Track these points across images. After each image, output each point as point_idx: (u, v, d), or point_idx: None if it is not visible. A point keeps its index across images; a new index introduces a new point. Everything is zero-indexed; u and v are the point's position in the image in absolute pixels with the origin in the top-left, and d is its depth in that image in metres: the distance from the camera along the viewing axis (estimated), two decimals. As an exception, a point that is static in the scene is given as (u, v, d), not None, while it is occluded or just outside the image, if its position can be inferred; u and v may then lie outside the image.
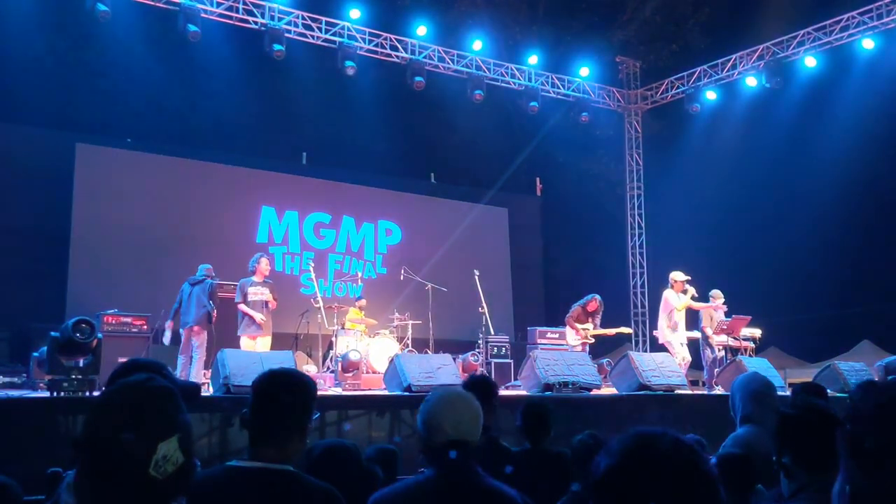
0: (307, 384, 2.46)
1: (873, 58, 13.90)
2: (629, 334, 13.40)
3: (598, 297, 13.16)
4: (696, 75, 16.03)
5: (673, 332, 11.99)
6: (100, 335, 7.96)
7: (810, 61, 14.24)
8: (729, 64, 15.41)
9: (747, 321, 13.04)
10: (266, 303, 10.07)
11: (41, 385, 8.30)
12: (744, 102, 15.92)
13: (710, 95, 15.95)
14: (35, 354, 9.21)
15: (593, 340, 12.88)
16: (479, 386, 4.04)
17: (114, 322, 10.34)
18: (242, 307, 9.99)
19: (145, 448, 1.65)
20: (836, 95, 14.43)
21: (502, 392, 10.98)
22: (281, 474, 2.31)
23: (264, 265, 10.25)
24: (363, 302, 13.33)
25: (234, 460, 2.34)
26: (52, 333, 7.76)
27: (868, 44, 13.56)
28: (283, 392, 2.39)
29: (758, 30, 15.55)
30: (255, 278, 10.17)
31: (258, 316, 9.89)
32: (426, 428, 2.51)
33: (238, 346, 9.90)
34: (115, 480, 1.65)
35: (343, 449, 3.74)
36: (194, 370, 9.78)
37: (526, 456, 4.25)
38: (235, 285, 11.45)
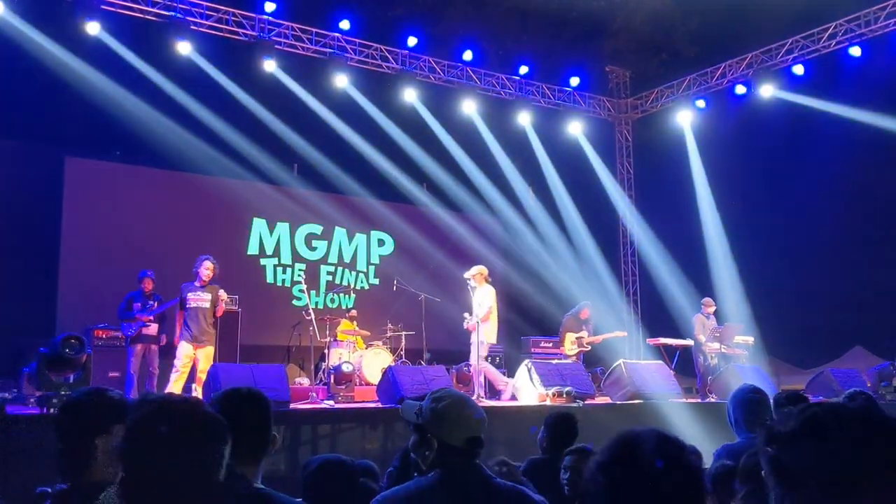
0: (263, 397, 2.44)
1: (861, 65, 13.97)
2: (623, 337, 13.39)
3: (589, 303, 13.18)
4: (685, 84, 16.10)
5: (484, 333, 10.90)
6: (89, 350, 7.92)
7: (798, 69, 14.31)
8: (718, 72, 15.49)
9: (740, 328, 13.08)
10: (205, 311, 9.54)
11: (31, 401, 8.24)
12: (733, 110, 15.99)
13: (700, 104, 16.02)
14: (25, 370, 9.15)
15: (589, 348, 12.88)
16: None
17: (104, 336, 10.28)
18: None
19: (221, 453, 1.74)
20: (825, 102, 14.48)
21: (496, 403, 10.98)
22: (258, 495, 2.28)
23: (206, 268, 9.62)
24: (354, 313, 13.30)
25: None
26: (41, 349, 7.72)
27: (856, 51, 13.64)
28: (245, 408, 2.37)
29: (746, 38, 15.62)
30: (195, 283, 9.64)
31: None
32: (444, 424, 2.48)
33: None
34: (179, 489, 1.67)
35: (338, 464, 3.73)
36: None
37: (543, 465, 4.27)
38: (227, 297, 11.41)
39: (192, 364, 9.44)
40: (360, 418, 8.82)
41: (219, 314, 9.73)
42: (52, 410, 7.23)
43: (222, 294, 9.70)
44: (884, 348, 14.96)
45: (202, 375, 9.37)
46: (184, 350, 9.37)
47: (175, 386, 9.43)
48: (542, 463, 4.40)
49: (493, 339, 10.96)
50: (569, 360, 12.22)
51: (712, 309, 12.84)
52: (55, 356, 7.57)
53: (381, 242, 16.54)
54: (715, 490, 3.40)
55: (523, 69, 15.88)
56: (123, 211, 13.42)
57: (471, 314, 10.88)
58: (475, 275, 10.95)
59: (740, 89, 15.12)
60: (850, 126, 14.43)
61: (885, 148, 17.03)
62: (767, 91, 14.39)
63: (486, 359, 11.25)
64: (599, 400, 10.93)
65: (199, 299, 9.53)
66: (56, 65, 11.65)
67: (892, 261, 16.95)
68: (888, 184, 18.41)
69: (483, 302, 10.72)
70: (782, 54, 14.43)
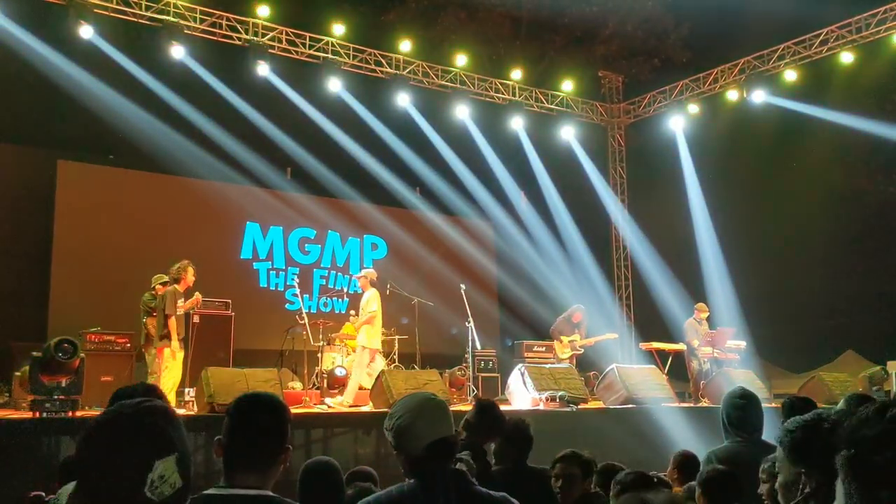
0: (285, 406, 2.42)
1: (853, 71, 14.05)
2: (615, 339, 13.41)
3: (581, 307, 13.20)
4: (678, 89, 16.14)
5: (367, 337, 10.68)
6: (82, 355, 7.90)
7: (790, 75, 14.38)
8: (710, 77, 15.53)
9: (732, 332, 13.13)
10: (184, 316, 9.59)
11: (23, 405, 8.21)
12: (725, 116, 16.05)
13: (692, 109, 16.06)
14: (17, 374, 9.12)
15: (582, 351, 12.91)
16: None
17: (97, 340, 10.23)
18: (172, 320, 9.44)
19: (142, 466, 1.59)
20: (817, 108, 14.56)
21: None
22: (263, 500, 2.26)
23: (191, 274, 9.61)
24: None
25: (211, 488, 2.29)
26: (34, 353, 7.70)
27: (847, 57, 13.71)
28: (264, 415, 2.34)
29: (738, 44, 15.69)
30: (178, 287, 9.55)
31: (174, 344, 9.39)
32: (402, 439, 2.48)
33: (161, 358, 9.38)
34: (109, 501, 1.59)
35: (328, 466, 3.76)
36: None
37: (510, 475, 4.21)
38: (219, 301, 11.39)
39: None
40: (353, 423, 8.82)
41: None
42: (44, 415, 7.21)
43: (198, 297, 9.76)
44: (875, 352, 15.03)
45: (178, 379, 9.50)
46: (170, 354, 9.38)
47: (171, 389, 9.44)
48: (507, 473, 4.32)
49: (376, 345, 10.71)
50: (562, 364, 12.26)
51: (705, 314, 12.87)
52: (48, 360, 7.54)
53: (374, 246, 16.54)
54: (706, 492, 3.41)
55: (516, 74, 15.91)
56: (116, 214, 13.38)
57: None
58: (361, 277, 11.04)
59: (732, 95, 15.17)
60: (841, 132, 14.50)
61: (876, 153, 17.15)
62: (759, 96, 14.43)
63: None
64: (592, 404, 10.95)
65: (184, 305, 9.57)
66: (49, 68, 11.63)
67: (884, 266, 17.06)
68: (880, 189, 18.53)
69: (366, 306, 10.68)
70: (774, 60, 14.48)
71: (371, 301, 10.65)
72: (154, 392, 2.66)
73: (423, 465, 2.44)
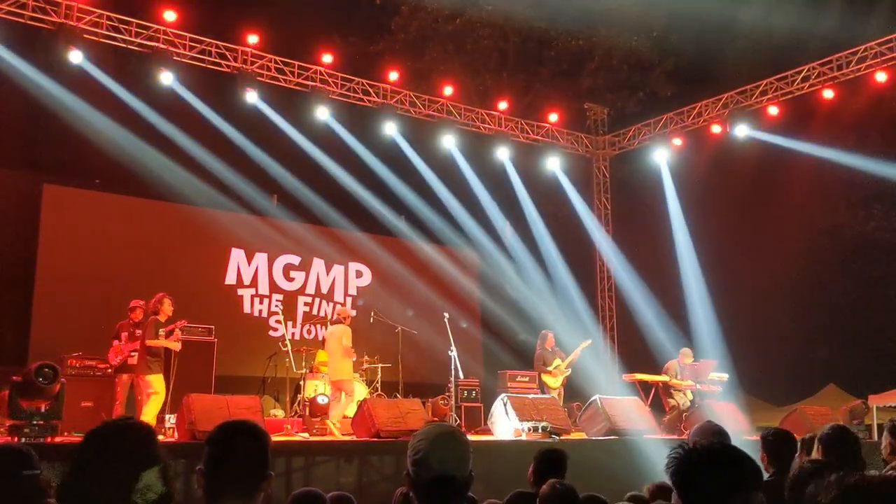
0: (266, 433, 2.43)
1: (833, 107, 14.28)
2: (589, 345, 13.33)
3: (549, 332, 13.18)
4: (662, 122, 16.32)
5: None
6: (62, 380, 7.84)
7: (773, 110, 14.59)
8: (694, 111, 15.73)
9: (714, 364, 13.18)
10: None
11: (1, 430, 8.13)
12: (709, 149, 16.24)
13: (676, 142, 16.24)
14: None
15: (570, 371, 12.87)
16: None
17: (78, 365, 10.17)
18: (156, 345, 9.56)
19: (129, 477, 1.86)
20: (798, 143, 14.77)
21: (472, 437, 10.94)
22: None
23: (169, 306, 9.74)
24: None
25: None
26: (14, 377, 7.64)
27: (828, 93, 13.95)
28: (245, 442, 2.35)
29: (722, 79, 15.92)
30: (160, 318, 9.69)
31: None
32: (413, 463, 2.48)
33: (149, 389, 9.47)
34: None
35: (315, 497, 3.76)
36: None
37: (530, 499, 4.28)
38: (202, 327, 11.36)
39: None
40: (334, 452, 8.76)
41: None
42: (23, 440, 7.14)
43: (178, 334, 9.84)
44: (856, 386, 15.12)
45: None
46: (159, 381, 9.48)
47: (155, 413, 9.46)
48: (529, 497, 4.38)
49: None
50: (553, 393, 12.26)
51: (689, 360, 12.90)
52: (28, 385, 7.48)
53: (359, 273, 16.53)
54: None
55: (502, 105, 16.06)
56: (101, 239, 13.32)
57: None
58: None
59: (716, 128, 15.36)
60: (821, 166, 14.70)
61: (855, 188, 17.38)
62: (742, 130, 14.63)
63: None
64: (575, 435, 10.93)
65: (162, 335, 9.64)
66: (37, 92, 11.63)
67: (866, 300, 17.21)
68: (860, 223, 18.75)
69: None
70: (757, 95, 14.70)
71: None
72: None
73: (427, 498, 2.45)
